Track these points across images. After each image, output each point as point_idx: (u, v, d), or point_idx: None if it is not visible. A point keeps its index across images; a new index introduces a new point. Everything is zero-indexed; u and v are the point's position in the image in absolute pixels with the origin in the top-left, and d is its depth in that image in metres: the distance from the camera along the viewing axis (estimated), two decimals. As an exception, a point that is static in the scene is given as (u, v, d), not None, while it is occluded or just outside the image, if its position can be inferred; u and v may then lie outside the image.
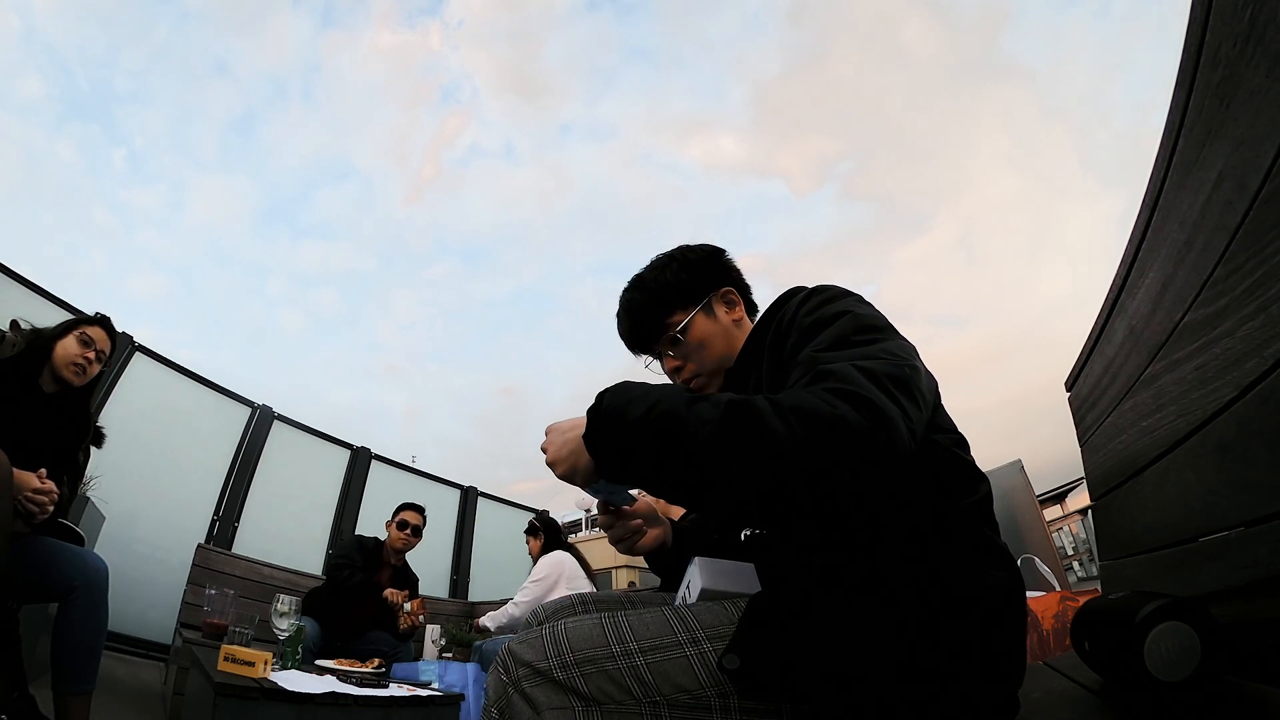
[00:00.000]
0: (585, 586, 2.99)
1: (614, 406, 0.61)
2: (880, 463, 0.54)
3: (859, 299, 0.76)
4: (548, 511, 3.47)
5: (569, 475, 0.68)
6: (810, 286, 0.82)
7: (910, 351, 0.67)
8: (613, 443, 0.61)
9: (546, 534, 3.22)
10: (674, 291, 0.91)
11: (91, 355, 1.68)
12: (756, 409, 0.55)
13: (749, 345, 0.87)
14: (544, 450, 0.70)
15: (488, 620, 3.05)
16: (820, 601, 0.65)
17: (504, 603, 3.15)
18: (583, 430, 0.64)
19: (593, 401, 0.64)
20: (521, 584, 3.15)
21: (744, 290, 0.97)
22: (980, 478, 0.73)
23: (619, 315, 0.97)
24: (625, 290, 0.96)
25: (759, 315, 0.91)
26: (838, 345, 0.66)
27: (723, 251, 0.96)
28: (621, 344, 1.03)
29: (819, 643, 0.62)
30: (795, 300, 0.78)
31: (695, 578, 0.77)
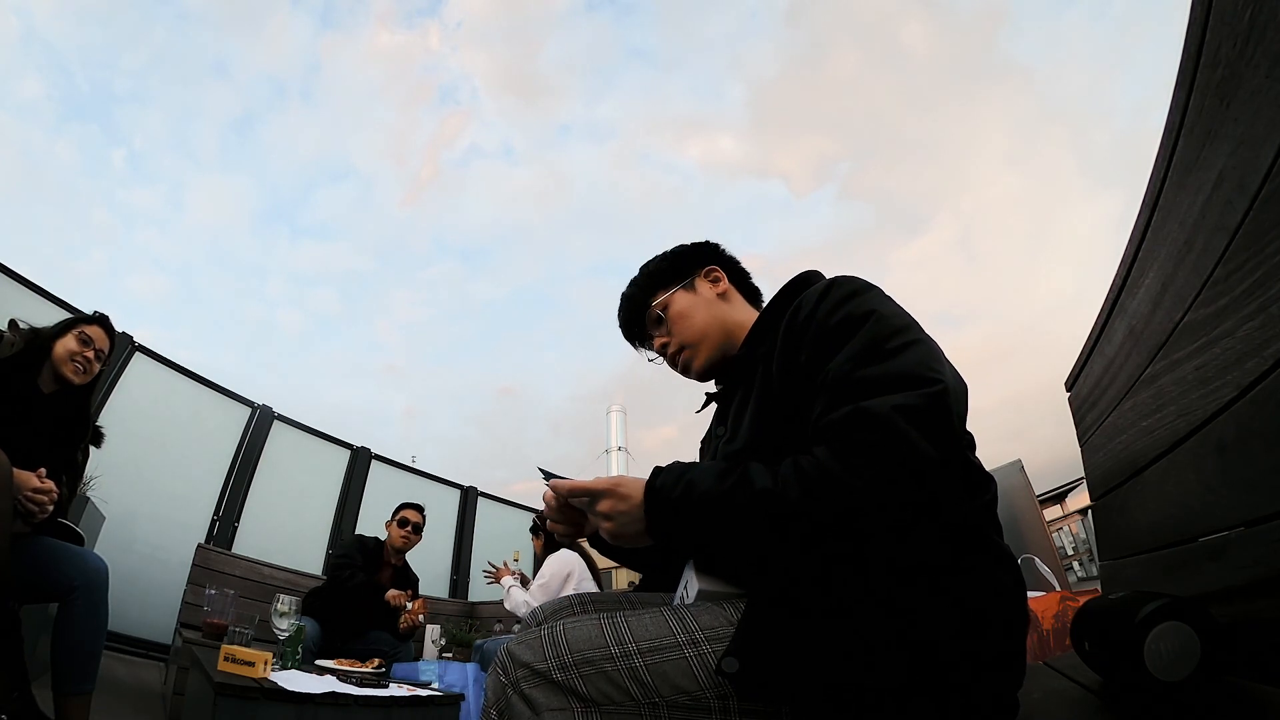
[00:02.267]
0: (591, 587, 2.97)
1: (670, 500, 0.67)
2: (901, 508, 0.59)
3: (880, 293, 0.74)
4: None
5: (620, 541, 0.73)
6: (829, 277, 0.80)
7: (938, 354, 0.67)
8: (668, 529, 0.68)
9: (548, 532, 3.19)
10: (658, 278, 0.97)
11: (91, 354, 1.68)
12: (789, 503, 0.61)
13: (756, 333, 0.86)
14: (606, 515, 0.71)
15: (509, 602, 2.96)
16: (820, 603, 0.64)
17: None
18: (641, 510, 0.69)
19: (651, 485, 0.69)
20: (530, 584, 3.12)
21: (734, 270, 0.99)
22: (988, 479, 0.73)
23: (618, 313, 1.01)
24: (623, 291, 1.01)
25: (771, 300, 0.90)
26: (869, 357, 0.65)
27: (715, 245, 1.00)
28: (619, 343, 1.11)
29: (819, 645, 0.62)
30: (813, 292, 0.76)
31: (692, 578, 0.76)
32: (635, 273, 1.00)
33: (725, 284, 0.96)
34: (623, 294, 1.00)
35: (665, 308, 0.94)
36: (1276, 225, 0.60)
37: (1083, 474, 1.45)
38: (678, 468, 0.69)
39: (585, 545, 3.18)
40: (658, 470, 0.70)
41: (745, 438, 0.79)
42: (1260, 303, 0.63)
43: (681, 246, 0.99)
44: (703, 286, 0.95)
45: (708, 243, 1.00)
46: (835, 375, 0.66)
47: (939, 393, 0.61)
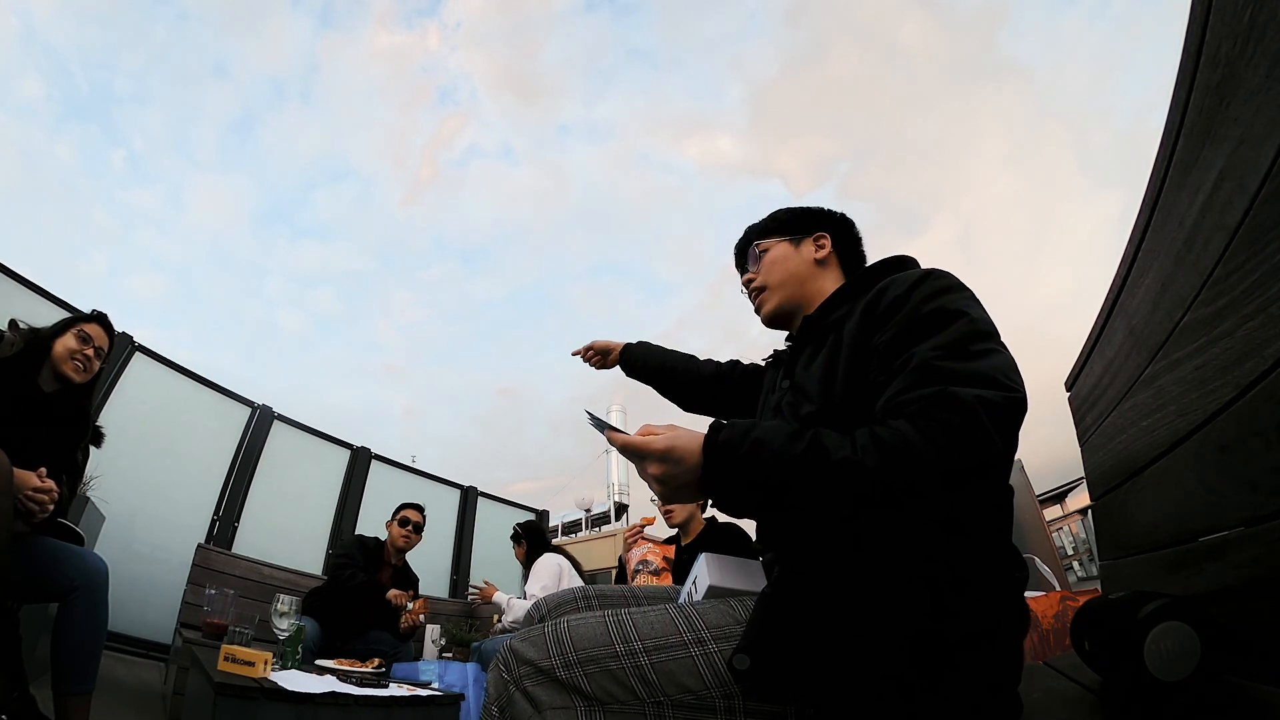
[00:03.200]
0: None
1: (736, 457, 0.63)
2: (958, 488, 0.60)
3: (973, 296, 0.76)
4: (547, 513, 3.39)
5: (668, 502, 0.72)
6: (924, 266, 0.82)
7: (1015, 369, 0.68)
8: (727, 487, 0.65)
9: (530, 539, 3.18)
10: (776, 223, 1.04)
11: (90, 351, 1.68)
12: (866, 471, 0.59)
13: (835, 300, 0.89)
14: (657, 478, 0.67)
15: (511, 614, 2.94)
16: (832, 600, 0.64)
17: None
18: (697, 470, 0.65)
19: (713, 440, 0.65)
20: (522, 588, 3.11)
21: (846, 244, 1.02)
22: (1009, 489, 0.73)
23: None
24: None
25: (859, 273, 0.93)
26: (956, 352, 0.66)
27: (843, 220, 1.03)
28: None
29: (830, 643, 0.62)
30: (906, 277, 0.77)
31: (703, 574, 0.77)
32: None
33: (828, 252, 0.99)
34: (747, 226, 1.08)
35: (765, 250, 1.02)
36: (1276, 225, 0.60)
37: (1083, 474, 1.45)
38: (741, 424, 0.66)
39: (567, 549, 3.20)
40: (718, 424, 0.66)
41: (809, 395, 0.81)
42: (1260, 302, 0.63)
43: (814, 208, 1.05)
44: (806, 247, 1.00)
45: (839, 216, 1.04)
46: (921, 360, 0.66)
47: (1018, 399, 0.63)
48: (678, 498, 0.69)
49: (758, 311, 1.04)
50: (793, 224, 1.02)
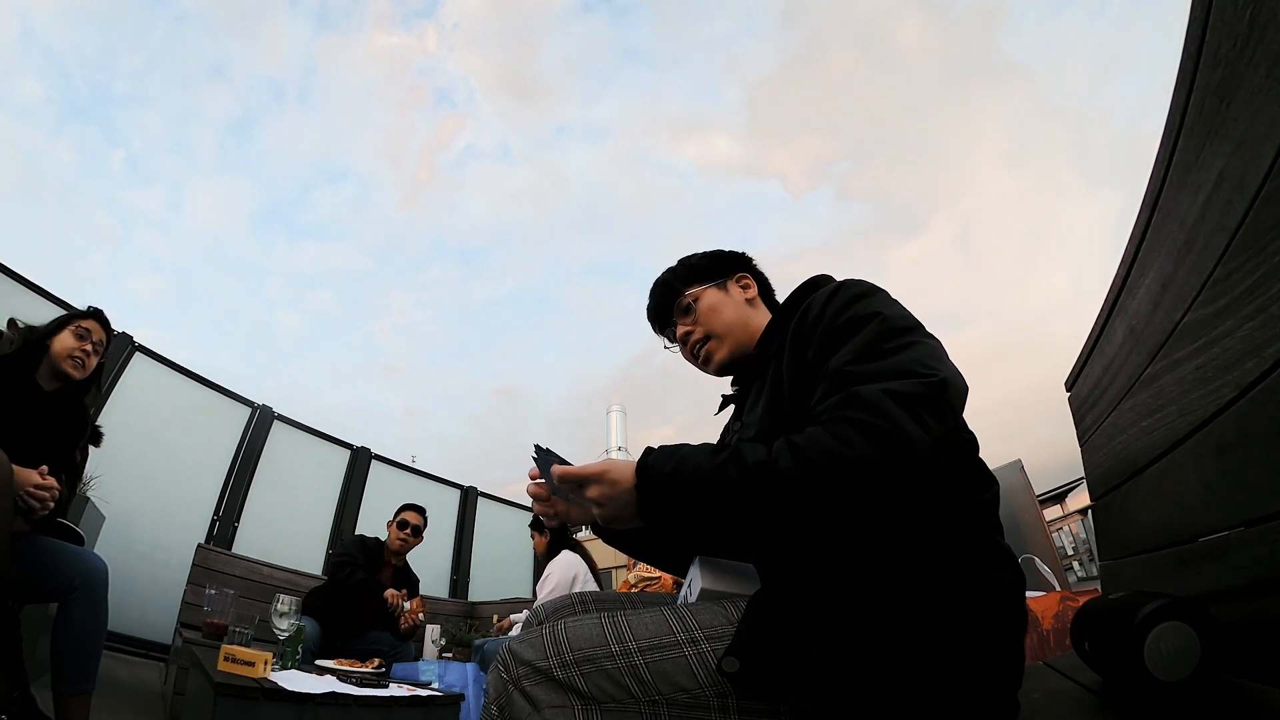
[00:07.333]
0: (594, 588, 2.94)
1: (662, 476, 0.67)
2: (894, 487, 0.60)
3: (886, 296, 0.77)
4: None
5: (612, 524, 0.73)
6: (837, 280, 0.83)
7: (939, 354, 0.69)
8: (659, 506, 0.68)
9: (554, 531, 3.10)
10: (696, 271, 1.00)
11: (89, 348, 1.68)
12: (781, 472, 0.61)
13: (769, 333, 0.91)
14: (596, 501, 0.71)
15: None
16: (822, 602, 0.64)
17: (513, 603, 3.13)
18: (633, 492, 0.69)
19: (643, 463, 0.69)
20: (527, 586, 3.12)
21: (763, 282, 1.04)
22: (990, 480, 0.73)
23: (649, 294, 1.04)
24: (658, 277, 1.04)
25: (784, 301, 0.94)
26: (869, 355, 0.68)
27: (750, 257, 1.05)
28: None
29: (821, 645, 0.62)
30: (822, 294, 0.79)
31: (696, 577, 0.77)
32: (673, 263, 1.04)
33: (754, 292, 1.01)
34: (658, 279, 1.03)
35: (696, 299, 0.97)
36: (1276, 225, 0.60)
37: (1083, 474, 1.45)
38: (669, 447, 0.70)
39: (586, 545, 3.17)
40: (649, 450, 0.70)
41: (756, 428, 0.81)
42: (1260, 303, 0.63)
43: (724, 251, 1.03)
44: (734, 289, 0.99)
45: (740, 253, 1.04)
46: (834, 369, 0.68)
47: (935, 382, 0.63)
48: (618, 520, 0.71)
49: (705, 364, 0.97)
50: (715, 269, 1.00)
